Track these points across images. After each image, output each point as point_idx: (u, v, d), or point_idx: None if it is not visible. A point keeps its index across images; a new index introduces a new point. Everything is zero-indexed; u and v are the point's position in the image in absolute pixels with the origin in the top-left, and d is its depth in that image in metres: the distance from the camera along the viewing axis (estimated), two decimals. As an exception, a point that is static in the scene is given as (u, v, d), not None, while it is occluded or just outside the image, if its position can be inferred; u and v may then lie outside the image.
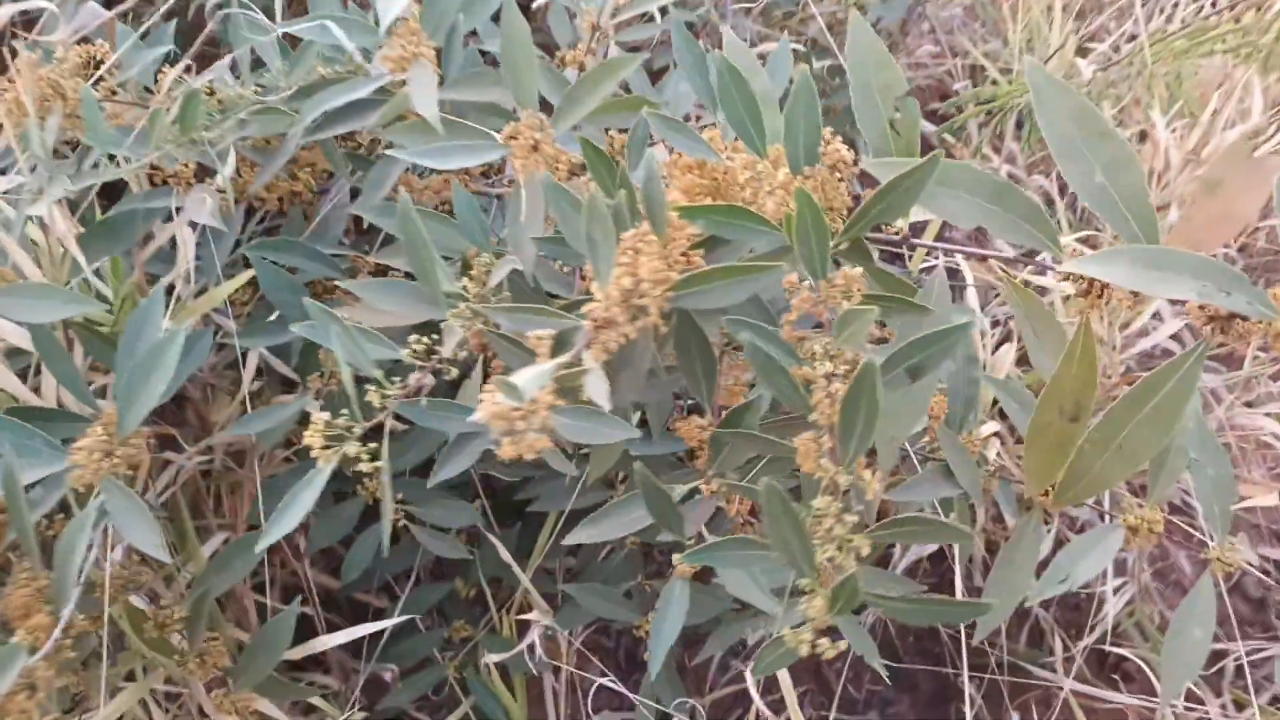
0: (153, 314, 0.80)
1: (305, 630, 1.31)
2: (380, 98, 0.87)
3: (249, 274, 1.00)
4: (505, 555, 1.20)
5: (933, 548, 1.42)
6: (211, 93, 0.90)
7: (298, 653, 1.03)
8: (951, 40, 2.03)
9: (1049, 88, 0.57)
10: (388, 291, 0.82)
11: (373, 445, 0.67)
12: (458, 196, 0.74)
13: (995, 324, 1.46)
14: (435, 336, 0.71)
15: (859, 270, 0.60)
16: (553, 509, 1.24)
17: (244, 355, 1.07)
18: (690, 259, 0.66)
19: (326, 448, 0.63)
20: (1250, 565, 0.96)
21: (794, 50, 1.47)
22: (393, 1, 0.81)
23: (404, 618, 1.12)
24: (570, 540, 0.74)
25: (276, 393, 1.14)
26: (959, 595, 1.28)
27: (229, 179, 1.01)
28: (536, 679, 1.33)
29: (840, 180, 0.67)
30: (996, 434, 1.26)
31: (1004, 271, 0.69)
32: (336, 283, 0.84)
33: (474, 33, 1.10)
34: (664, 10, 1.61)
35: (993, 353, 1.42)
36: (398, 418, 0.75)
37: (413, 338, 0.70)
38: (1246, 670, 1.45)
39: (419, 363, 0.70)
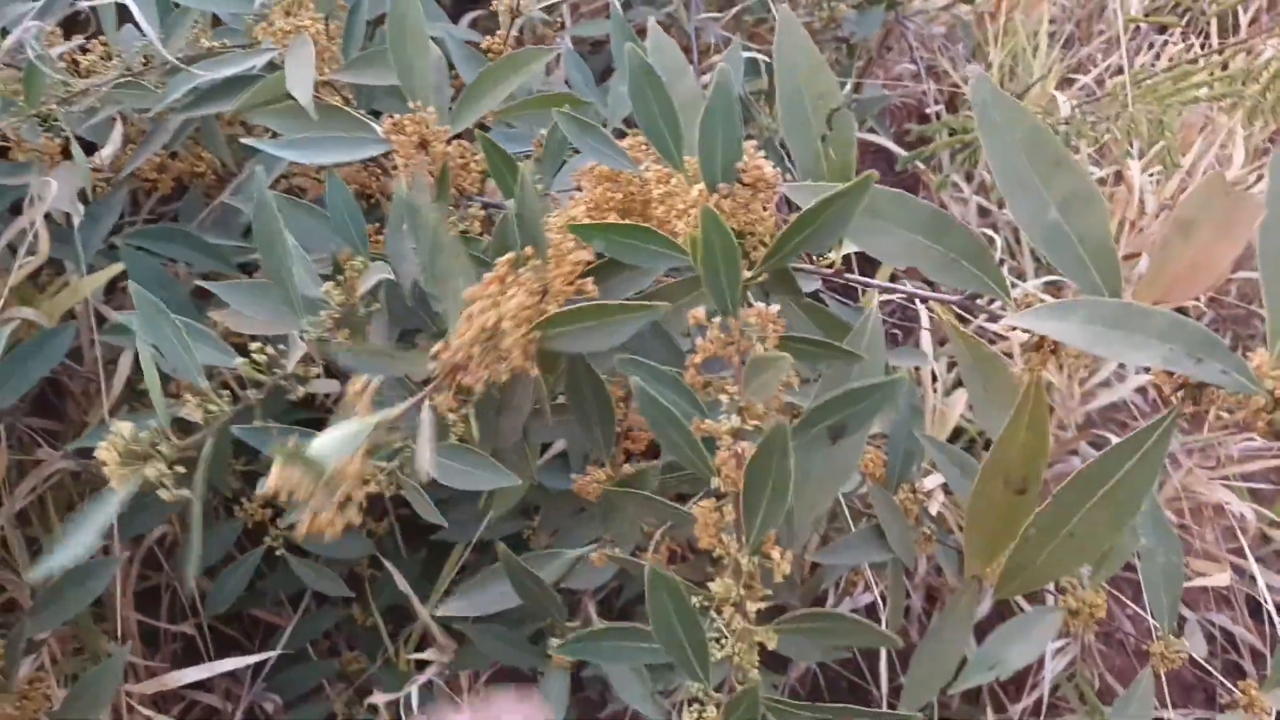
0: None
1: (192, 650, 1.21)
2: (266, 75, 0.77)
3: (121, 265, 0.90)
4: (403, 585, 1.10)
5: (869, 596, 1.33)
6: (75, 62, 0.79)
7: (171, 681, 0.93)
8: (930, 60, 1.95)
9: (997, 105, 0.47)
10: (253, 295, 0.72)
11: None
12: (333, 187, 0.64)
13: (952, 366, 1.36)
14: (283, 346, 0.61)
15: (774, 308, 0.51)
16: (460, 539, 1.14)
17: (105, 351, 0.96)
18: (581, 287, 0.56)
19: (124, 466, 0.52)
20: (1195, 655, 0.87)
21: (754, 59, 1.38)
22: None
23: (271, 653, 1.00)
24: (441, 614, 0.64)
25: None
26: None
27: (108, 157, 0.90)
28: (440, 719, 1.22)
29: (763, 202, 0.57)
30: (944, 485, 1.17)
31: (948, 313, 0.59)
32: (203, 282, 0.74)
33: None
34: (628, 3, 1.52)
35: (945, 396, 1.33)
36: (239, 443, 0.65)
37: (254, 345, 0.60)
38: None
39: (259, 375, 0.60)
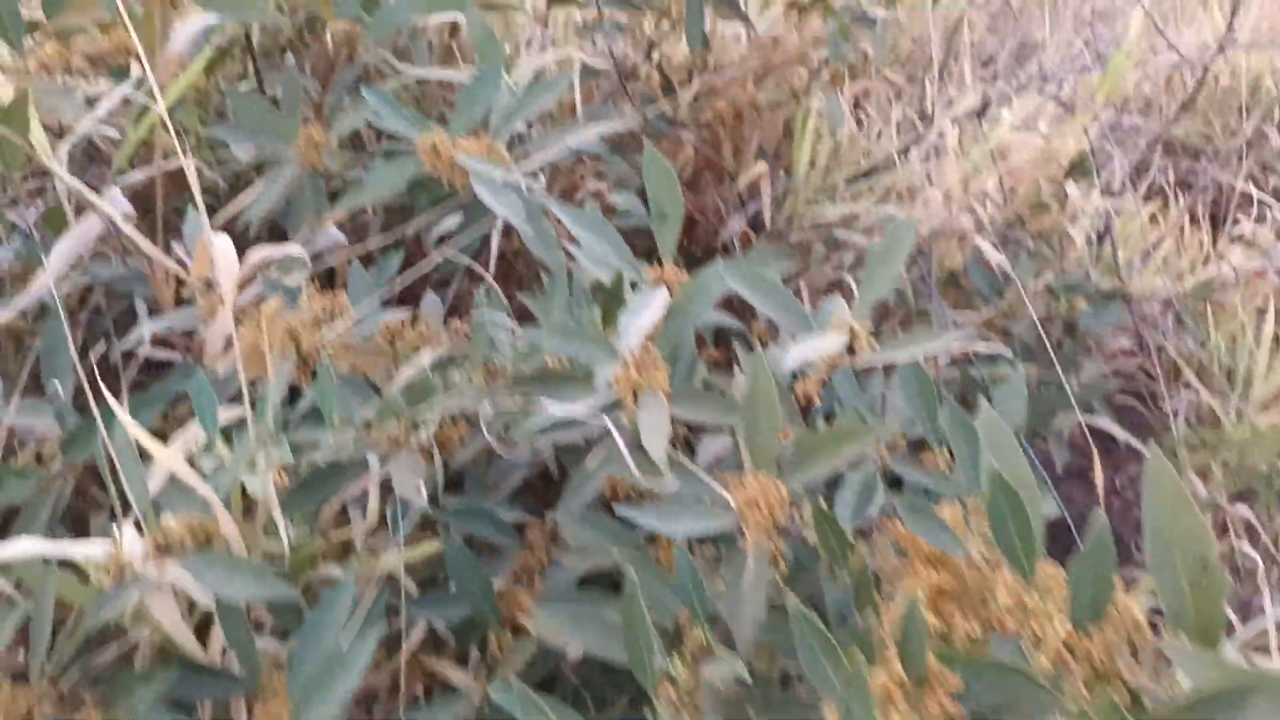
0: (330, 618, 0.76)
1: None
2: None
3: (434, 545, 0.97)
4: None
5: None
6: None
7: None
8: (1145, 334, 1.94)
9: None
10: (576, 625, 0.77)
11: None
12: (681, 562, 0.69)
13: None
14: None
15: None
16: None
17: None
18: (949, 711, 0.58)
19: None
20: None
21: (1002, 357, 1.41)
22: (637, 325, 0.78)
23: None
24: None
25: (428, 651, 1.10)
26: None
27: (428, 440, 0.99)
28: None
29: (1132, 649, 0.58)
30: None
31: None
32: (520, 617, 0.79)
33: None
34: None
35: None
36: None
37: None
38: None
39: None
